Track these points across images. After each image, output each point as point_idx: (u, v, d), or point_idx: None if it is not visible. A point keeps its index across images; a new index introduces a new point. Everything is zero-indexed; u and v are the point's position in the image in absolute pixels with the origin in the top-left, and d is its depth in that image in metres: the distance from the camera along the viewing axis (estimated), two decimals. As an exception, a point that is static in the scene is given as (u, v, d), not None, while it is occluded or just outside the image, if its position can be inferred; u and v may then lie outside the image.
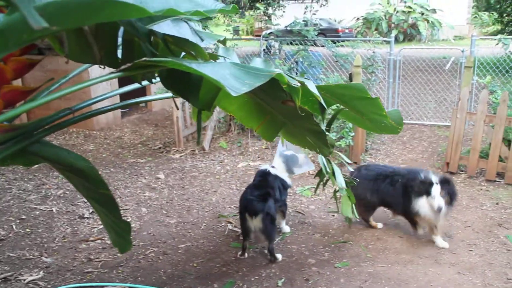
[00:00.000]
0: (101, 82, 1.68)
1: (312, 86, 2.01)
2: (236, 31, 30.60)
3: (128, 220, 5.25)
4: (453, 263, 4.35)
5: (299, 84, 1.83)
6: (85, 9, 1.33)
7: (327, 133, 2.61)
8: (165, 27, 1.86)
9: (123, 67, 1.68)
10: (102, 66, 2.07)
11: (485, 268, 4.25)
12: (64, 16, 1.35)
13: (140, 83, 2.18)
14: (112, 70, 1.87)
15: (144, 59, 1.62)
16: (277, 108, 2.48)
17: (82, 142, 8.35)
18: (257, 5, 17.67)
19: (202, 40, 2.08)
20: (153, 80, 2.21)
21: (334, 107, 3.37)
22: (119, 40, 2.08)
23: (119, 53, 2.08)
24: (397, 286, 4.00)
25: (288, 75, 1.87)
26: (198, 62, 1.91)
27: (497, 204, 5.61)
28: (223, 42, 2.60)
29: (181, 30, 1.94)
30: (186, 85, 2.02)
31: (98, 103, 2.49)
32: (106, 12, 1.34)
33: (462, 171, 6.61)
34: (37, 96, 2.05)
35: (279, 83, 2.11)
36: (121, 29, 2.04)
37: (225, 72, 1.60)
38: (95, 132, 8.88)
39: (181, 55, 2.25)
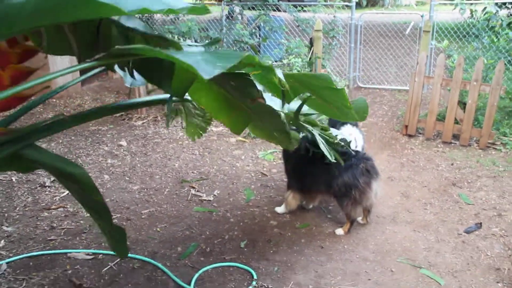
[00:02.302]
0: (77, 71, 1.72)
1: (279, 72, 2.08)
2: (199, -5, 30.04)
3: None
4: (409, 222, 4.53)
5: (270, 62, 1.90)
6: (63, 7, 1.39)
7: (292, 128, 2.75)
8: (139, 26, 1.97)
9: (97, 56, 1.72)
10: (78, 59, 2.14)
11: (439, 225, 4.45)
12: (43, 13, 1.40)
13: (114, 71, 2.26)
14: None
15: (118, 47, 1.66)
16: (247, 105, 2.54)
17: (41, 111, 8.15)
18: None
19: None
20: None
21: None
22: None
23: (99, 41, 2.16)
24: (356, 244, 4.15)
25: (258, 59, 1.92)
26: (172, 50, 1.96)
27: (452, 164, 5.83)
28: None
29: (146, 28, 2.05)
30: (159, 73, 2.07)
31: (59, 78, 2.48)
32: (84, 10, 1.40)
33: (420, 133, 6.80)
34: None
35: (251, 80, 2.17)
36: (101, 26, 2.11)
37: (197, 58, 1.65)
38: (54, 100, 8.66)
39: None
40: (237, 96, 2.46)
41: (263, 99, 2.27)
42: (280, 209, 4.69)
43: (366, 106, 3.04)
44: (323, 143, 3.68)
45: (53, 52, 2.16)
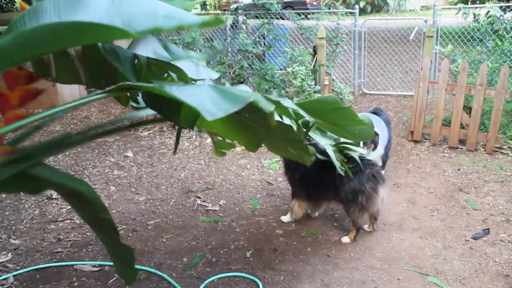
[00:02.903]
0: (88, 102, 1.78)
1: (289, 104, 2.11)
2: (203, 5, 30.25)
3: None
4: (416, 228, 4.50)
5: (271, 109, 1.91)
6: (71, 32, 1.39)
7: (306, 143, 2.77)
8: (144, 50, 1.98)
9: (107, 89, 1.75)
10: (87, 88, 2.20)
11: (446, 232, 4.42)
12: (52, 39, 1.41)
13: (125, 105, 2.32)
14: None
15: (127, 83, 1.69)
16: (258, 123, 2.56)
17: (48, 123, 8.21)
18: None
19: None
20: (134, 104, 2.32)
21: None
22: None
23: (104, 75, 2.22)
24: (362, 252, 4.13)
25: (264, 96, 1.93)
26: (178, 84, 1.99)
27: (458, 170, 5.80)
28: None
29: (156, 48, 2.06)
30: (168, 106, 2.10)
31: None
32: (91, 35, 1.41)
33: (426, 139, 6.78)
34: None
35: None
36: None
37: (203, 96, 1.67)
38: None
39: (164, 76, 2.36)
40: (247, 115, 2.48)
41: (271, 117, 2.29)
42: (285, 218, 4.68)
43: (371, 122, 3.05)
44: (333, 154, 3.71)
45: (61, 81, 2.22)
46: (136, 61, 2.12)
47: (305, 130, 2.98)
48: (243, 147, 6.51)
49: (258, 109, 2.09)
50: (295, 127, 2.74)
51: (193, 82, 2.29)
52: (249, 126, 2.68)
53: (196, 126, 2.53)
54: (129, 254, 2.30)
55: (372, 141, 4.83)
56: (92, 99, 1.82)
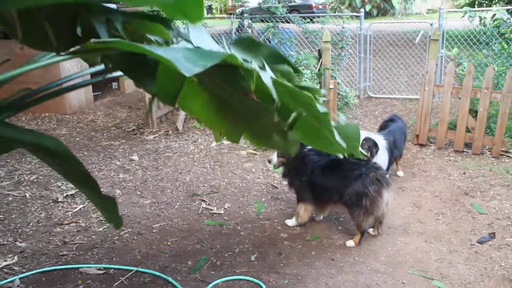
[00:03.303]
0: (51, 64, 1.68)
1: (266, 78, 1.95)
2: (209, 9, 30.34)
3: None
4: (421, 232, 4.49)
5: (252, 67, 1.84)
6: None
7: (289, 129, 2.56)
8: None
9: (73, 49, 1.65)
10: (62, 54, 2.04)
11: (451, 236, 4.40)
12: None
13: (93, 66, 2.15)
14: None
15: (93, 40, 1.60)
16: (241, 102, 2.45)
17: (54, 127, 8.27)
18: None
19: None
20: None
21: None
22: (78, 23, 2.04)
23: (78, 31, 2.01)
24: (367, 256, 4.13)
25: (243, 59, 1.87)
26: (150, 45, 1.90)
27: (464, 173, 5.78)
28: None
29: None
30: (140, 68, 2.00)
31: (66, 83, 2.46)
32: None
33: (432, 142, 6.76)
34: None
35: (240, 74, 2.09)
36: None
37: (178, 55, 1.61)
38: (67, 116, 8.79)
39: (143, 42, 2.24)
40: (229, 91, 2.38)
41: (254, 94, 2.16)
42: (290, 222, 4.68)
43: (358, 132, 2.74)
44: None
45: (30, 44, 2.02)
46: (109, 22, 1.98)
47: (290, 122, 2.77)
48: (248, 151, 6.54)
49: (241, 81, 1.99)
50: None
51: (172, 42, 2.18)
52: (230, 107, 2.55)
53: (180, 108, 2.41)
54: (111, 203, 2.31)
55: (368, 148, 4.81)
56: (56, 60, 1.73)
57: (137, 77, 2.06)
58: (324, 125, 2.30)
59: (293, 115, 2.59)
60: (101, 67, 2.43)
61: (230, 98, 2.47)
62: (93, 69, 2.50)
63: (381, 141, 5.04)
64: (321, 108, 2.12)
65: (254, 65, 1.88)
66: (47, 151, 2.01)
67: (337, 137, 2.29)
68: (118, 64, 2.06)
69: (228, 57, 1.71)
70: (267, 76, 1.93)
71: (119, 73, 2.27)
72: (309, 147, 3.94)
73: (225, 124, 2.70)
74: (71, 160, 2.02)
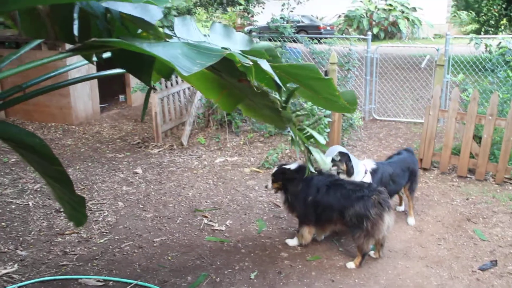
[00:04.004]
0: (53, 61, 1.70)
1: (265, 65, 2.02)
2: (218, 26, 30.58)
3: (104, 214, 5.29)
4: (422, 257, 4.48)
5: (251, 63, 1.87)
6: None
7: (283, 109, 2.68)
8: (120, 5, 1.87)
9: (72, 47, 1.69)
10: (59, 44, 2.07)
11: (452, 261, 4.39)
12: None
13: (91, 62, 2.18)
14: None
15: (93, 39, 1.63)
16: (235, 84, 2.53)
17: (60, 137, 8.32)
18: (239, 0, 17.66)
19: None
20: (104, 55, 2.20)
21: (290, 85, 3.40)
22: (75, 16, 2.06)
23: (75, 30, 2.02)
24: (367, 279, 4.11)
25: (240, 54, 1.90)
26: (150, 42, 1.92)
27: (467, 199, 5.77)
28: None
29: (136, 7, 1.95)
30: (138, 64, 2.03)
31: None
32: None
33: (435, 167, 6.76)
34: None
35: (235, 64, 2.15)
36: (77, 6, 1.99)
37: (176, 52, 1.63)
38: (74, 126, 8.85)
39: (138, 31, 2.26)
40: (225, 77, 2.44)
41: (247, 80, 2.21)
42: (291, 242, 4.67)
43: (355, 98, 2.95)
44: (317, 153, 3.63)
45: (29, 34, 2.07)
46: (108, 16, 2.01)
47: (285, 98, 2.88)
48: (251, 169, 6.55)
49: (235, 69, 2.05)
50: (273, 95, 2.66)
51: (167, 40, 2.20)
52: (226, 85, 2.64)
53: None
54: (81, 202, 2.34)
55: (345, 162, 4.74)
56: (55, 58, 1.75)
57: (136, 72, 2.10)
58: (329, 88, 2.43)
59: (288, 89, 2.72)
60: (66, 54, 2.46)
61: (225, 81, 2.54)
62: (59, 56, 2.51)
63: (369, 164, 4.92)
64: (324, 76, 2.31)
65: (251, 58, 1.92)
66: (29, 148, 2.05)
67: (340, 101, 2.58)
68: (117, 60, 2.10)
69: (227, 55, 1.75)
70: (265, 63, 1.98)
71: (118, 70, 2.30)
72: (311, 169, 3.95)
73: (221, 95, 2.77)
74: (52, 159, 2.06)
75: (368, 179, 4.74)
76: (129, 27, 2.07)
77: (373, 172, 4.84)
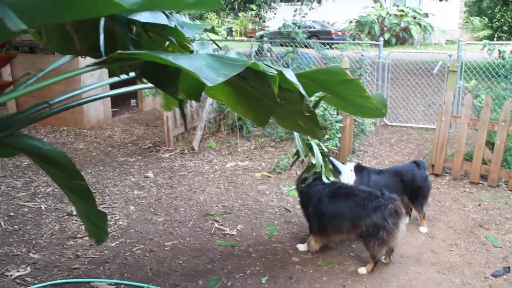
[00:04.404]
0: (78, 75, 1.73)
1: (290, 74, 2.02)
2: (229, 32, 30.74)
3: (116, 218, 5.32)
4: (433, 263, 4.45)
5: (275, 72, 1.88)
6: (60, 6, 1.33)
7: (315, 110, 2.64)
8: (144, 17, 1.89)
9: (98, 60, 1.71)
10: (84, 57, 2.09)
11: (464, 268, 4.35)
12: (39, 13, 1.34)
13: (118, 76, 2.18)
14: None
15: (118, 52, 1.65)
16: (264, 92, 2.50)
17: (72, 141, 8.40)
18: (251, 6, 17.73)
19: (182, 27, 2.12)
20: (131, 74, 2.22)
21: (317, 94, 3.32)
22: (101, 29, 2.08)
23: (102, 43, 2.06)
24: (378, 284, 4.09)
25: (264, 64, 1.91)
26: (174, 54, 1.95)
27: (479, 205, 5.72)
28: (212, 30, 2.59)
29: (161, 19, 1.96)
30: (164, 76, 2.04)
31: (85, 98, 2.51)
32: (81, 9, 1.35)
33: (447, 173, 6.72)
34: (16, 89, 2.09)
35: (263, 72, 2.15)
36: (103, 19, 2.02)
37: (201, 64, 1.64)
38: (85, 130, 8.92)
39: (165, 44, 2.28)
40: (255, 86, 2.42)
41: (273, 83, 2.22)
42: (302, 247, 4.67)
43: (384, 100, 2.94)
44: (318, 155, 3.63)
45: (55, 48, 2.10)
46: (134, 28, 2.02)
47: (312, 105, 2.81)
48: (262, 173, 6.55)
49: (263, 75, 2.05)
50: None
51: (193, 50, 2.22)
52: (255, 97, 2.61)
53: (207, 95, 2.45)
54: (102, 217, 2.34)
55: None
56: (81, 71, 1.77)
57: (162, 85, 2.11)
58: (356, 90, 2.39)
59: (316, 97, 2.68)
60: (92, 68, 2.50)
61: (254, 90, 2.51)
62: (86, 69, 2.55)
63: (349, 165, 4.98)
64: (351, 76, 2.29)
65: (276, 68, 1.92)
66: (50, 161, 2.07)
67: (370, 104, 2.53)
68: (143, 73, 2.11)
69: (251, 65, 1.76)
70: (290, 73, 1.98)
71: (147, 85, 2.32)
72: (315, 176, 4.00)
73: (251, 108, 2.73)
74: (74, 173, 2.07)
75: (351, 178, 4.81)
76: (154, 39, 2.09)
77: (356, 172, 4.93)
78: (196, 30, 2.32)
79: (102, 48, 1.93)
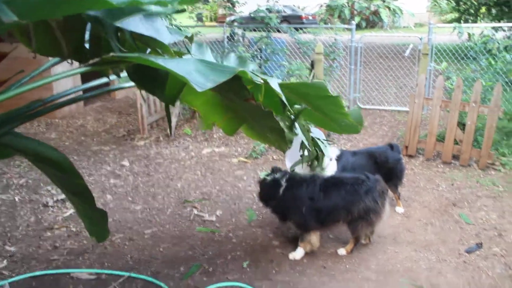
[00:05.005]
0: (68, 77, 1.73)
1: (274, 84, 2.03)
2: (199, 18, 30.40)
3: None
4: (410, 242, 4.55)
5: (262, 81, 1.90)
6: (50, 1, 1.35)
7: (286, 130, 2.71)
8: (132, 24, 1.88)
9: (91, 61, 1.73)
10: (69, 61, 2.09)
11: (440, 245, 4.47)
12: (31, 8, 1.36)
13: (108, 78, 2.20)
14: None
15: (111, 54, 1.66)
16: (240, 105, 2.54)
17: (43, 131, 8.22)
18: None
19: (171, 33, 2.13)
20: (121, 75, 2.24)
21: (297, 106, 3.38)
22: (87, 35, 2.08)
23: (87, 47, 2.08)
24: (358, 264, 4.17)
25: (252, 73, 1.92)
26: (164, 57, 1.95)
27: (452, 185, 5.87)
28: (190, 39, 2.61)
29: (148, 27, 1.97)
30: (152, 79, 2.06)
31: (65, 96, 2.49)
32: (71, 5, 1.37)
33: (420, 154, 6.86)
34: (9, 88, 2.07)
35: (243, 82, 2.18)
36: (89, 24, 2.03)
37: (190, 68, 1.65)
38: (57, 120, 8.74)
39: (147, 51, 2.28)
40: (230, 97, 2.46)
41: (255, 99, 2.27)
42: (298, 255, 4.29)
43: (361, 116, 3.06)
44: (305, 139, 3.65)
45: (43, 52, 2.11)
46: (119, 34, 2.04)
47: (293, 117, 2.86)
48: (239, 159, 6.56)
49: (243, 89, 2.09)
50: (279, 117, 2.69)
51: (177, 57, 2.25)
52: (230, 108, 2.68)
53: (180, 102, 2.54)
54: (103, 216, 2.35)
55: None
56: (75, 72, 1.78)
57: (149, 88, 2.13)
58: (336, 106, 2.47)
59: (297, 108, 2.75)
60: (97, 82, 2.51)
61: (230, 102, 2.56)
62: (77, 70, 2.54)
63: (333, 152, 4.94)
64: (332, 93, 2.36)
65: (262, 77, 1.95)
66: (48, 161, 2.04)
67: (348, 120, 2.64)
68: (132, 76, 2.14)
69: (239, 72, 1.77)
70: (274, 82, 2.01)
71: (130, 83, 2.32)
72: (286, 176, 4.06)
73: (224, 118, 2.80)
74: (72, 173, 2.06)
75: (334, 166, 4.84)
76: (139, 46, 2.10)
77: (338, 159, 4.98)
78: (177, 35, 2.31)
79: (87, 48, 1.94)
